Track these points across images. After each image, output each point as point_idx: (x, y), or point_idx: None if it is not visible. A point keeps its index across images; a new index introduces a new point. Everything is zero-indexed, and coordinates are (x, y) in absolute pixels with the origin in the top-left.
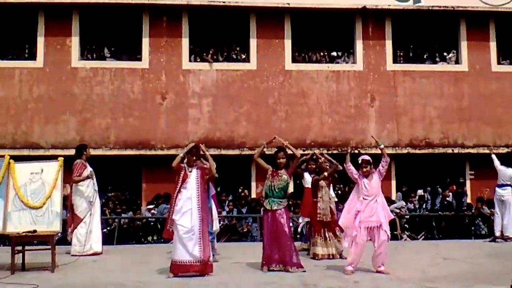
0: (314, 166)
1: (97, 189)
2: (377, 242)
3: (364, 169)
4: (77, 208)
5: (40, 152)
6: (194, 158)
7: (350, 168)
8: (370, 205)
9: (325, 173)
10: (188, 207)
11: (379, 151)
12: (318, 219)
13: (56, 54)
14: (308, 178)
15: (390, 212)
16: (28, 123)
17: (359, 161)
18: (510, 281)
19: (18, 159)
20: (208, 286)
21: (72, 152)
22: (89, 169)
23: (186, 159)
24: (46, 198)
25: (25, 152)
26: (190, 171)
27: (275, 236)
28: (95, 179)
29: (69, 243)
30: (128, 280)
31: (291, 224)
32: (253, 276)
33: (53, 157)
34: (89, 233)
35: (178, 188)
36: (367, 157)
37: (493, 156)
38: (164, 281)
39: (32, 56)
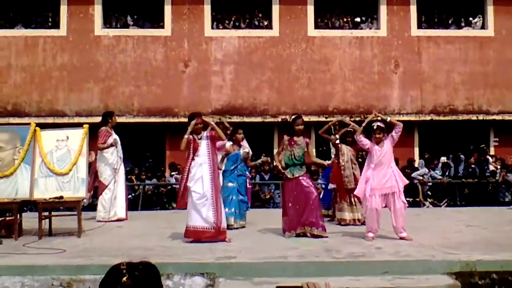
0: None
1: (121, 156)
2: (393, 209)
3: (377, 135)
4: (102, 175)
5: (65, 120)
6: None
7: (361, 139)
8: (383, 172)
9: (336, 136)
10: (200, 174)
11: (403, 118)
12: (344, 186)
13: (79, 22)
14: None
15: (404, 178)
16: (52, 91)
17: (374, 127)
18: None
19: (43, 126)
20: (231, 251)
21: (96, 119)
22: (114, 137)
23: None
24: (72, 165)
25: (50, 120)
26: (200, 138)
27: (301, 200)
28: (120, 147)
29: (95, 209)
30: (154, 245)
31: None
32: (276, 241)
33: (78, 125)
34: (114, 199)
35: (190, 157)
36: (381, 124)
37: None
38: (188, 245)
39: (55, 25)
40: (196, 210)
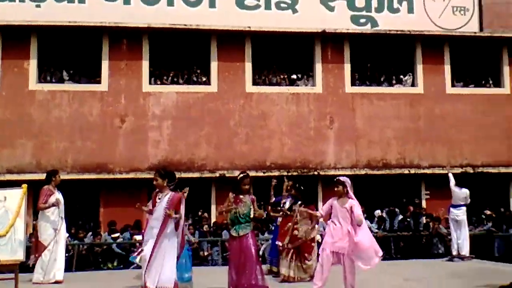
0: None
1: (63, 216)
2: (344, 267)
3: (336, 189)
4: (42, 235)
5: None
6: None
7: (321, 213)
8: (337, 229)
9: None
10: (150, 235)
11: (338, 172)
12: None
13: (13, 77)
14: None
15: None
16: None
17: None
18: None
19: None
20: None
21: (29, 176)
22: (56, 196)
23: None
24: (10, 227)
25: None
26: (159, 198)
27: (242, 262)
28: (62, 207)
29: (30, 271)
30: None
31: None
32: None
33: (10, 183)
34: (54, 261)
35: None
36: (341, 178)
37: (450, 175)
38: None
39: None
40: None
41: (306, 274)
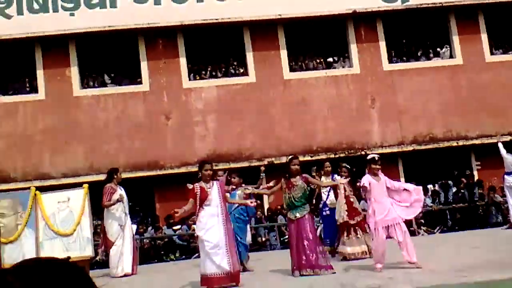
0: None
1: (127, 212)
2: (398, 237)
3: (374, 165)
4: (108, 232)
5: (52, 182)
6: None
7: (360, 183)
8: (383, 204)
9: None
10: (212, 223)
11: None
12: (346, 220)
13: (57, 85)
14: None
15: (411, 208)
16: (36, 155)
17: (373, 158)
18: None
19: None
20: None
21: (83, 179)
22: (118, 193)
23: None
24: (76, 225)
25: (37, 183)
26: (209, 188)
27: (302, 243)
28: (126, 203)
29: (103, 266)
30: None
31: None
32: (287, 282)
33: (66, 186)
34: (121, 255)
35: (198, 207)
36: (376, 155)
37: (500, 145)
38: None
39: (33, 90)
40: (210, 259)
41: (367, 246)
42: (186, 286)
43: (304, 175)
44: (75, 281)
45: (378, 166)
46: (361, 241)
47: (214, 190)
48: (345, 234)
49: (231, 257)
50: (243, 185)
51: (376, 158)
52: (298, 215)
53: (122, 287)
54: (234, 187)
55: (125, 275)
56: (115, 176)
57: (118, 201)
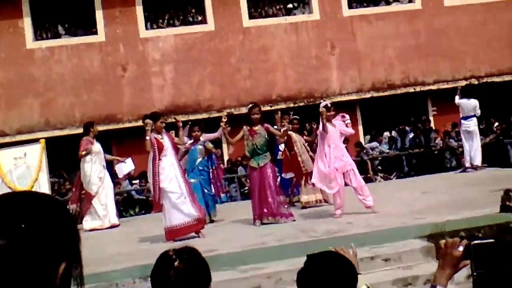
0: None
1: (105, 165)
2: (356, 183)
3: (329, 113)
4: (88, 185)
5: (6, 139)
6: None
7: (324, 129)
8: (341, 149)
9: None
10: (172, 173)
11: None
12: (303, 171)
13: (9, 38)
14: None
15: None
16: None
17: (325, 106)
18: (494, 203)
19: None
20: (210, 245)
21: (39, 135)
22: (96, 145)
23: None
24: (33, 181)
25: None
26: (162, 138)
27: (264, 191)
28: (102, 155)
29: None
30: (137, 250)
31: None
32: (250, 230)
33: (21, 143)
34: (106, 206)
35: (157, 158)
36: (329, 102)
37: (457, 95)
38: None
39: None
40: (177, 209)
41: (320, 194)
42: (144, 240)
43: (265, 124)
44: (59, 214)
45: (332, 113)
46: (316, 189)
47: (166, 141)
48: (304, 183)
49: (194, 201)
50: (204, 134)
51: (329, 105)
52: (261, 163)
53: (106, 238)
54: (192, 141)
55: (112, 226)
56: (91, 129)
57: (91, 152)
